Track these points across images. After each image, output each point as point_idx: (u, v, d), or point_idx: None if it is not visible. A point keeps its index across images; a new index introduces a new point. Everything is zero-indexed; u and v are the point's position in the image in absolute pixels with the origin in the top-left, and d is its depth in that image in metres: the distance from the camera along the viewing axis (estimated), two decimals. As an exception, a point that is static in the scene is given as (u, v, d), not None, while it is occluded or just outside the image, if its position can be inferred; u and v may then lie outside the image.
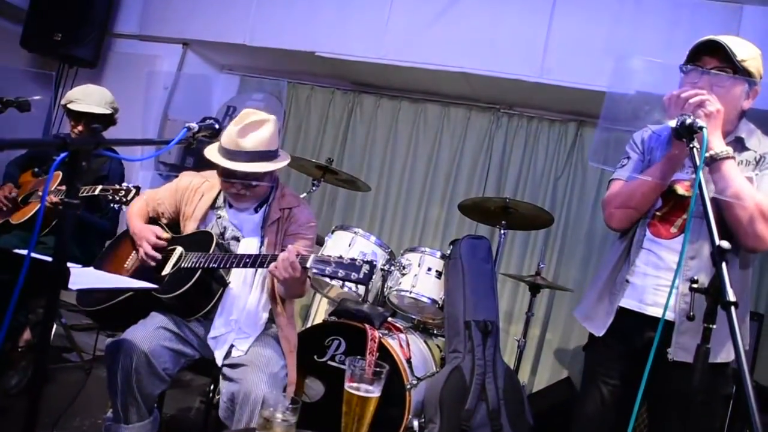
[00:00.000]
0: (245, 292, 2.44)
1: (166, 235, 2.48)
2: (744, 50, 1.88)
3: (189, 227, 2.52)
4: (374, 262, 2.10)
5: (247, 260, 2.24)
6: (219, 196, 2.57)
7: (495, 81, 4.36)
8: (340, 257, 2.11)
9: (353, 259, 2.09)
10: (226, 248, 2.47)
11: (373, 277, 3.34)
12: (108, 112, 3.36)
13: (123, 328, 2.30)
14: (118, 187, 2.79)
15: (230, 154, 2.34)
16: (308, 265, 2.13)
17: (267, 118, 2.42)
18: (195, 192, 2.58)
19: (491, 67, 4.29)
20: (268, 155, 2.40)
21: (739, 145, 1.95)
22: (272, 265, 2.17)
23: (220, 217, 2.52)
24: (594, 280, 2.23)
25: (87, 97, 3.35)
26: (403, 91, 5.27)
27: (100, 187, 2.86)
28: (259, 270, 2.44)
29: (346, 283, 3.36)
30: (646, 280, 2.00)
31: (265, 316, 2.49)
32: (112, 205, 2.81)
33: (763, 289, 4.23)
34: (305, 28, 4.78)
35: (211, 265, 2.26)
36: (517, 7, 4.28)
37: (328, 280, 2.99)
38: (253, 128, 2.38)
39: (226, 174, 2.41)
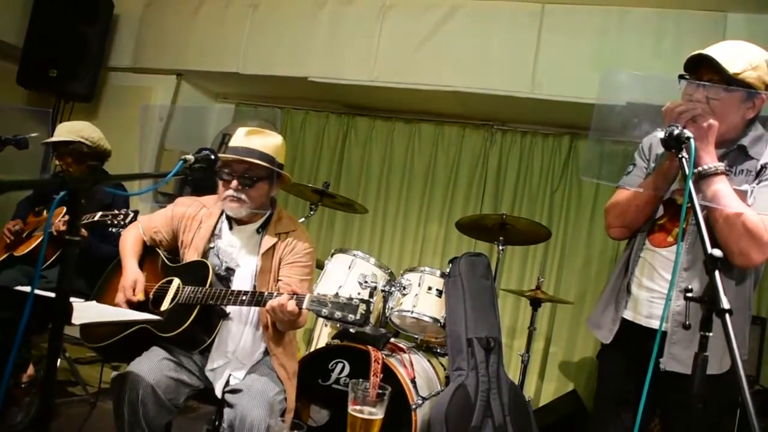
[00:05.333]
0: (242, 323, 2.44)
1: (140, 297, 2.43)
2: (741, 62, 1.81)
3: (189, 255, 2.52)
4: (371, 302, 2.10)
5: (244, 297, 2.25)
6: (218, 224, 2.56)
7: (487, 98, 4.40)
8: (337, 296, 2.12)
9: (350, 299, 2.10)
10: (224, 278, 2.47)
11: (373, 300, 3.38)
12: (70, 139, 3.37)
13: (126, 360, 2.31)
14: (116, 212, 2.83)
15: (234, 150, 2.41)
16: (304, 306, 2.15)
17: (274, 134, 2.54)
18: (193, 220, 2.57)
19: (483, 85, 4.34)
20: (269, 159, 2.44)
21: (741, 154, 1.92)
22: (269, 305, 2.19)
23: (216, 247, 2.52)
24: (604, 288, 2.24)
25: (58, 131, 3.43)
26: (397, 112, 5.32)
27: (99, 213, 2.90)
28: None
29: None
30: (642, 290, 2.01)
31: (263, 346, 2.48)
32: (111, 229, 2.85)
33: (764, 293, 4.22)
34: (297, 54, 4.83)
35: (208, 302, 2.27)
36: (506, 24, 4.34)
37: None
38: (260, 135, 2.49)
39: (226, 173, 2.42)
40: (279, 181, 2.55)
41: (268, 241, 2.50)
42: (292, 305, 2.16)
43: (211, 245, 2.53)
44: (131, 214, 2.83)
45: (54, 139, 3.39)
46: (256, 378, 2.34)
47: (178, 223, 2.60)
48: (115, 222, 2.83)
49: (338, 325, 3.38)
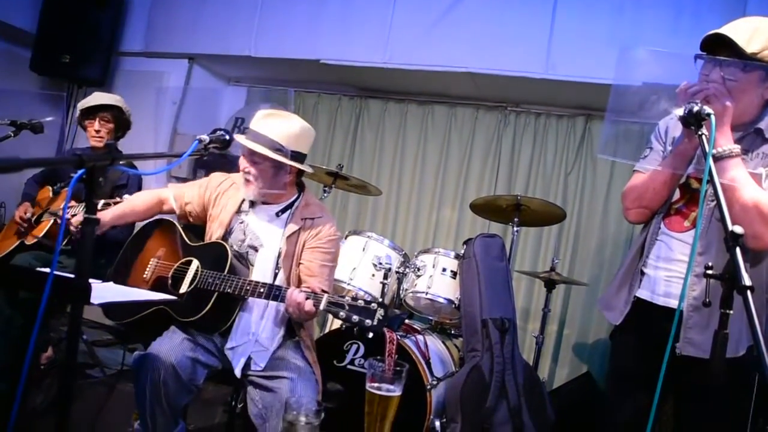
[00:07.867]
0: (264, 305, 2.45)
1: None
2: (759, 40, 1.75)
3: (215, 230, 2.55)
4: (389, 307, 2.08)
5: (262, 290, 2.26)
6: (245, 200, 2.59)
7: (501, 79, 4.36)
8: (355, 299, 2.10)
9: (368, 302, 2.08)
10: (243, 258, 2.48)
11: (389, 281, 3.38)
12: (112, 103, 3.48)
13: (145, 340, 2.34)
14: (118, 199, 2.83)
15: (247, 131, 2.42)
16: (321, 307, 2.14)
17: (294, 117, 2.49)
18: (222, 195, 2.62)
19: (496, 66, 4.29)
20: (274, 145, 2.38)
21: (758, 137, 1.88)
22: (287, 301, 2.20)
23: (242, 222, 2.54)
24: (618, 270, 2.23)
25: (94, 97, 3.53)
26: (410, 94, 5.29)
27: (102, 201, 2.90)
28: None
29: (360, 292, 3.41)
30: (659, 272, 2.00)
31: (283, 329, 2.50)
32: None
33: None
34: (309, 36, 4.80)
35: (226, 290, 2.28)
36: (519, 4, 4.28)
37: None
38: (277, 118, 2.45)
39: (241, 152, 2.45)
40: (291, 167, 2.49)
41: (293, 225, 2.51)
42: (309, 305, 2.16)
43: (237, 220, 2.56)
44: None
45: (97, 101, 3.47)
46: (292, 363, 2.38)
47: (209, 197, 2.64)
48: None
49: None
